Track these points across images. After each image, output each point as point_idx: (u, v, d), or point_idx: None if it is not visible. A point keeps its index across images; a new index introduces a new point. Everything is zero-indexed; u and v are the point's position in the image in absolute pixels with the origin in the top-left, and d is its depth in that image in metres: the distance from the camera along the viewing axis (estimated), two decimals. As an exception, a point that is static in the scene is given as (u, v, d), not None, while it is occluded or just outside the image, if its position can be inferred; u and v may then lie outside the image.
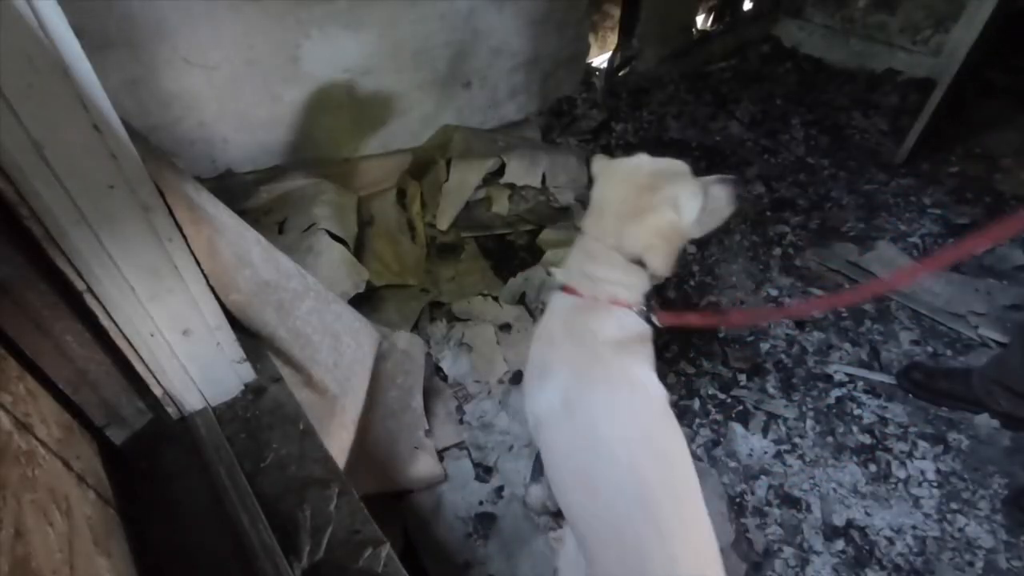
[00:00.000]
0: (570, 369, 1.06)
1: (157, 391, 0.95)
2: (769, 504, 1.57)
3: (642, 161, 1.14)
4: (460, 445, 1.70)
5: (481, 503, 1.58)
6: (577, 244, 1.16)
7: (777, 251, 2.28)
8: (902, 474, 1.61)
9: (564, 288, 1.15)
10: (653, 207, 1.06)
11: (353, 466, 1.33)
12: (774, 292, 2.12)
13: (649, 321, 1.14)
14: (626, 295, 1.11)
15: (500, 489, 1.60)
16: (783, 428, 1.72)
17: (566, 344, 1.09)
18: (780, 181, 2.60)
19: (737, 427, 1.73)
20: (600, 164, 1.18)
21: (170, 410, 0.99)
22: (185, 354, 0.92)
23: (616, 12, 3.00)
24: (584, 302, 1.11)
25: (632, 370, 1.07)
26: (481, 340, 1.93)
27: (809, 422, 1.73)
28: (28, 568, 0.55)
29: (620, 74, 3.06)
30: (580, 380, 1.05)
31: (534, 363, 1.15)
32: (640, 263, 1.08)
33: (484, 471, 1.64)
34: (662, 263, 1.03)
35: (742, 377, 1.87)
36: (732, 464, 1.65)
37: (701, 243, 2.34)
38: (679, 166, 1.15)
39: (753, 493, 1.59)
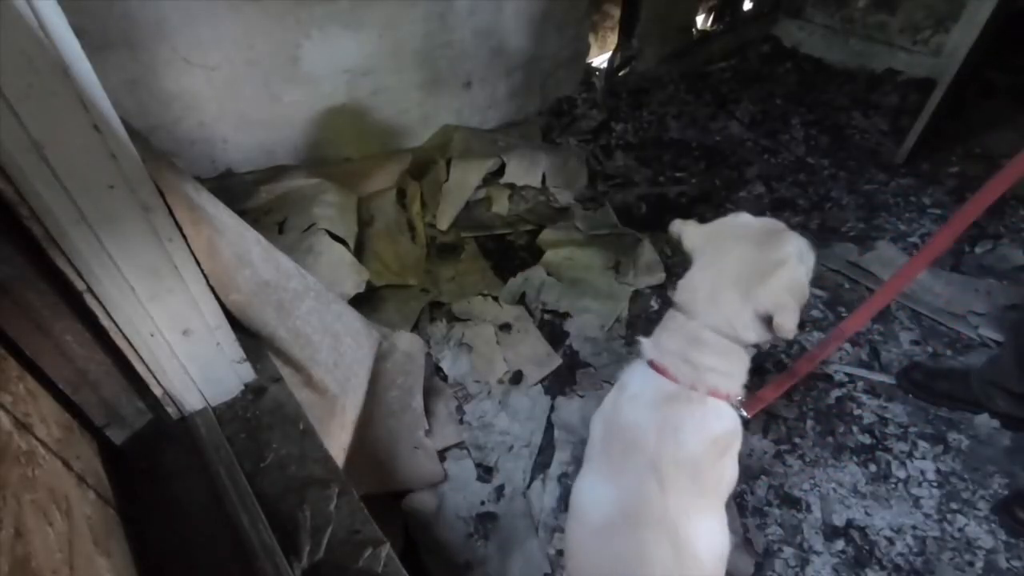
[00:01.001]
0: (648, 480, 0.94)
1: (157, 391, 0.95)
2: (769, 504, 1.57)
3: (746, 219, 1.06)
4: (460, 445, 1.70)
5: (483, 503, 1.58)
6: (673, 323, 1.03)
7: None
8: (902, 474, 1.61)
9: (652, 364, 1.02)
10: (782, 262, 0.96)
11: (353, 466, 1.33)
12: (774, 292, 2.12)
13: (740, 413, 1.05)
14: (727, 385, 1.00)
15: (501, 488, 1.60)
16: (783, 428, 1.72)
17: (653, 439, 0.96)
18: (780, 181, 2.60)
19: (737, 427, 1.73)
20: (691, 229, 1.06)
21: (170, 410, 0.99)
22: (185, 354, 0.92)
23: (616, 12, 3.00)
24: (679, 390, 0.99)
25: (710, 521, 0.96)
26: (481, 340, 1.93)
27: (809, 422, 1.73)
28: (28, 568, 0.55)
29: (620, 74, 3.06)
30: (650, 510, 0.93)
31: (599, 438, 1.05)
32: (758, 328, 0.97)
33: (485, 471, 1.64)
34: (793, 322, 0.92)
35: (742, 377, 1.87)
36: (732, 464, 1.65)
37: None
38: (777, 223, 1.06)
39: (753, 493, 1.59)
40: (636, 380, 1.04)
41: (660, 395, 0.99)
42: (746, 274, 0.96)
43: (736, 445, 1.04)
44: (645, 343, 1.06)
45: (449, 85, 2.46)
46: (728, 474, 1.03)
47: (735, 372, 1.01)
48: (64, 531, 0.65)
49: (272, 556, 0.81)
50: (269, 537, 0.83)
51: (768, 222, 1.05)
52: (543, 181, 2.46)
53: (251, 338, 1.11)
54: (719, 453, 0.99)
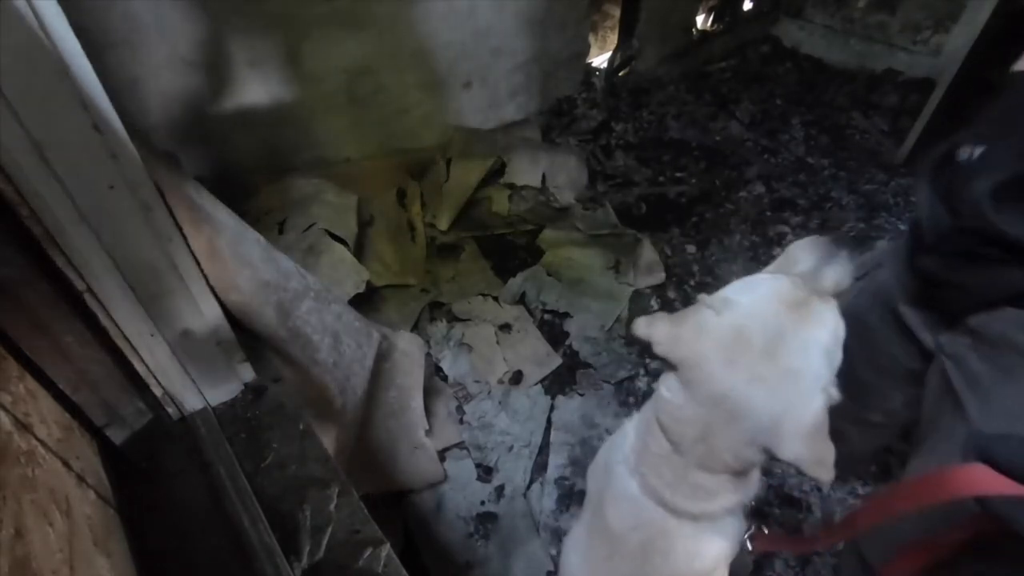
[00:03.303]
0: None
1: (157, 391, 0.95)
2: (769, 504, 1.57)
3: (742, 315, 0.71)
4: (460, 445, 1.70)
5: (483, 503, 1.58)
6: (656, 444, 0.80)
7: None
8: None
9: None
10: (808, 398, 0.67)
11: (353, 466, 1.33)
12: (774, 292, 2.12)
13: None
14: (727, 504, 0.81)
15: (501, 488, 1.60)
16: (783, 428, 1.72)
17: (639, 559, 0.86)
18: (780, 181, 2.60)
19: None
20: (664, 332, 0.74)
21: (170, 410, 0.99)
22: (185, 354, 0.92)
23: (616, 12, 3.00)
24: (667, 518, 0.82)
25: None
26: (481, 340, 1.93)
27: (809, 422, 1.73)
28: (28, 568, 0.55)
29: (620, 74, 3.06)
30: None
31: (594, 496, 0.95)
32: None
33: (484, 471, 1.64)
34: (831, 471, 0.67)
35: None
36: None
37: (701, 243, 2.34)
38: (790, 294, 0.71)
39: (753, 493, 1.59)
40: (622, 479, 0.86)
41: (645, 517, 0.83)
42: (754, 424, 0.69)
43: (738, 544, 0.89)
44: (630, 438, 0.87)
45: (449, 85, 2.45)
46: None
47: (736, 492, 0.81)
48: (64, 531, 0.65)
49: (272, 556, 0.81)
50: (269, 537, 0.83)
51: (772, 307, 0.70)
52: (543, 181, 2.46)
53: (251, 338, 1.11)
54: (717, 569, 0.87)
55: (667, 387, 0.77)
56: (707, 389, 0.71)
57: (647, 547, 0.85)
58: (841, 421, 1.02)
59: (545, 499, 1.58)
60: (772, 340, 0.69)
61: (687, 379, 0.74)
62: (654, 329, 0.75)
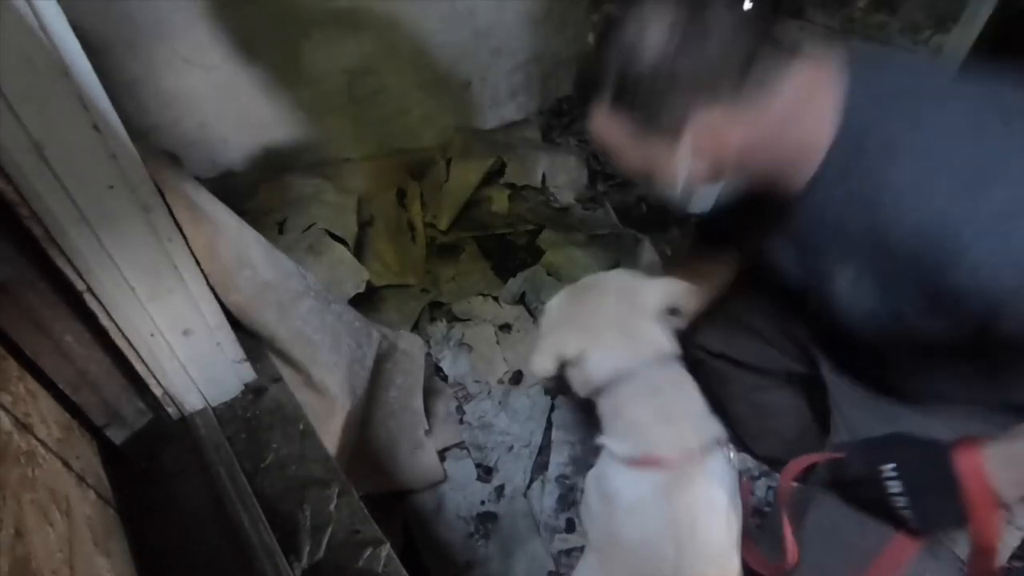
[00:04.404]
0: None
1: (157, 391, 0.95)
2: (769, 504, 1.57)
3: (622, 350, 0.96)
4: (460, 445, 1.70)
5: (483, 503, 1.58)
6: (631, 387, 0.95)
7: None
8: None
9: (633, 462, 0.88)
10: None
11: (353, 466, 1.33)
12: (774, 292, 2.12)
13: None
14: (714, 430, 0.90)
15: (501, 488, 1.60)
16: (783, 428, 1.72)
17: (672, 550, 0.83)
18: (780, 181, 2.60)
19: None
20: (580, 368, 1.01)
21: (170, 410, 0.99)
22: (185, 354, 0.92)
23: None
24: (676, 476, 0.84)
25: None
26: (481, 340, 1.93)
27: (809, 422, 1.73)
28: (28, 568, 0.55)
29: (620, 74, 3.06)
30: None
31: (597, 543, 0.97)
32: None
33: (485, 471, 1.64)
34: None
35: (742, 377, 1.86)
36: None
37: (701, 243, 2.34)
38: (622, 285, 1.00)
39: (753, 493, 1.59)
40: (626, 485, 0.88)
41: (660, 489, 0.84)
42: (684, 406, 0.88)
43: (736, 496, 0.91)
44: (609, 442, 0.96)
45: (449, 85, 2.46)
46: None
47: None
48: (64, 531, 0.65)
49: (272, 556, 0.81)
50: (269, 537, 0.83)
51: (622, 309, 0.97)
52: (543, 181, 2.46)
53: (251, 338, 1.11)
54: (737, 521, 0.87)
55: (607, 420, 0.99)
56: (639, 385, 0.95)
57: (678, 530, 0.82)
58: (762, 393, 1.24)
59: (546, 498, 1.57)
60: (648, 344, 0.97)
61: (617, 389, 0.97)
62: (570, 362, 1.01)
